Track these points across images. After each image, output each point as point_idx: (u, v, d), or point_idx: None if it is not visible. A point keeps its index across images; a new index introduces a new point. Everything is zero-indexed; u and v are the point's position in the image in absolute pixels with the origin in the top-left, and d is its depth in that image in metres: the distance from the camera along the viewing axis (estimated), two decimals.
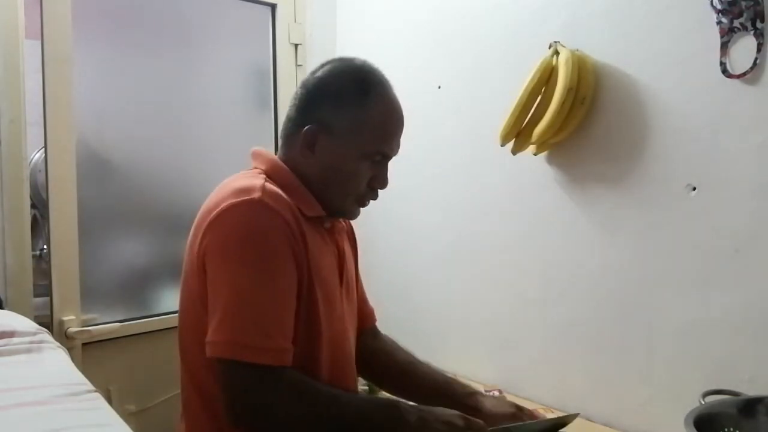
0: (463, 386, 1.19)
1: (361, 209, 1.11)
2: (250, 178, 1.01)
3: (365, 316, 1.28)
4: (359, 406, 0.99)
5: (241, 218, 0.94)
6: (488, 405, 1.13)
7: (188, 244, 1.03)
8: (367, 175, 1.05)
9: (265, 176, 1.02)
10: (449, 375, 1.24)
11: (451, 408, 1.12)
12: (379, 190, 1.09)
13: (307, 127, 1.03)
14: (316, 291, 1.02)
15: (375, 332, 1.30)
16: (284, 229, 0.95)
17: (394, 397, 1.17)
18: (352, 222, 1.24)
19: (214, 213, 0.95)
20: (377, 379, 1.29)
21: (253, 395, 0.91)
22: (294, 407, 0.93)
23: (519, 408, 1.13)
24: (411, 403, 1.05)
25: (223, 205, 0.95)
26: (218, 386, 0.93)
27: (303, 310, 0.99)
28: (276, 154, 1.12)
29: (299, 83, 1.09)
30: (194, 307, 1.01)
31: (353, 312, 1.18)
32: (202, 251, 0.96)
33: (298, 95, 1.07)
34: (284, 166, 1.06)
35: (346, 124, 1.02)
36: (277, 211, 0.95)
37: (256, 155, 1.11)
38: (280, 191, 0.98)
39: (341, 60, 1.09)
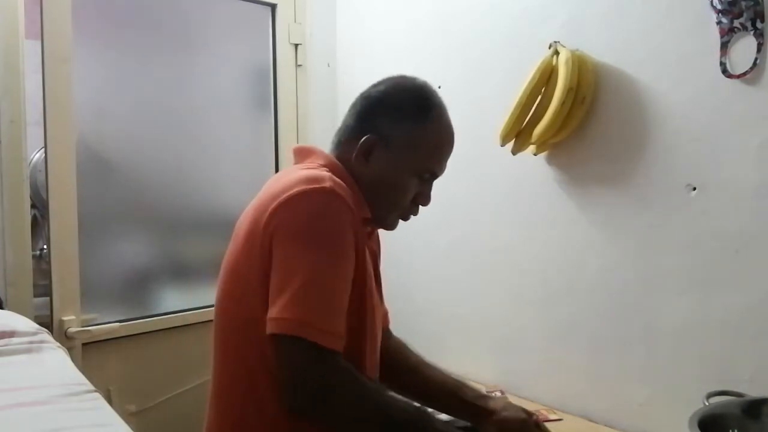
0: (473, 389, 1.21)
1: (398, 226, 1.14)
2: (315, 169, 1.03)
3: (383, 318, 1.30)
4: (401, 406, 0.99)
5: (315, 203, 0.95)
6: (500, 408, 1.13)
7: (243, 230, 1.02)
8: (413, 191, 1.09)
9: (327, 170, 1.04)
10: (459, 377, 1.25)
11: (463, 410, 1.16)
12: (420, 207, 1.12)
13: (366, 136, 1.05)
14: (366, 285, 1.04)
15: (389, 334, 1.32)
16: (350, 219, 0.97)
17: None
18: None
19: (285, 196, 0.96)
20: (389, 379, 1.30)
21: (315, 375, 0.90)
22: (350, 393, 0.93)
23: (529, 413, 1.14)
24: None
25: (295, 190, 0.95)
26: (276, 364, 0.92)
27: (356, 302, 1.00)
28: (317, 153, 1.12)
29: (360, 94, 1.12)
30: (252, 295, 0.98)
31: (381, 313, 1.19)
32: (270, 233, 0.96)
33: (358, 105, 1.10)
34: (339, 163, 1.08)
35: (404, 139, 1.06)
36: (345, 201, 0.97)
37: (305, 151, 1.13)
38: (344, 184, 1.01)
39: (404, 78, 1.12)
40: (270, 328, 0.91)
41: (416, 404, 1.05)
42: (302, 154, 1.13)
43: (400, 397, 1.03)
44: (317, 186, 0.96)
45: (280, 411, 0.94)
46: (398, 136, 1.05)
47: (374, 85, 1.11)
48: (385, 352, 1.24)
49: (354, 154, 1.06)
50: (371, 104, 1.09)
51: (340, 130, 1.12)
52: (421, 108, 1.07)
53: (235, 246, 1.04)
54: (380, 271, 1.26)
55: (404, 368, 1.25)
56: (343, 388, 0.92)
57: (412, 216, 1.13)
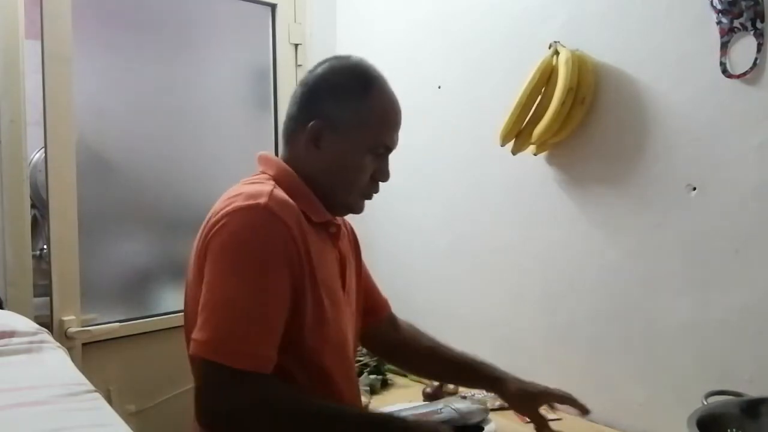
0: (486, 366, 1.24)
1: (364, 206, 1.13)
2: (259, 183, 1.02)
3: (379, 307, 1.32)
4: (347, 422, 0.97)
5: (241, 223, 0.94)
6: (518, 383, 1.19)
7: (195, 247, 1.03)
8: (370, 168, 1.07)
9: (274, 182, 1.02)
10: (471, 356, 1.27)
11: (483, 384, 1.25)
12: (380, 184, 1.10)
13: (312, 122, 1.04)
14: (323, 297, 1.01)
15: (394, 321, 1.33)
16: (284, 236, 0.95)
17: (384, 412, 1.20)
18: (354, 223, 1.25)
19: (220, 214, 0.96)
20: (406, 363, 1.37)
21: (221, 397, 0.89)
22: (259, 416, 0.90)
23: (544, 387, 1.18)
24: (404, 414, 1.14)
25: (229, 207, 0.95)
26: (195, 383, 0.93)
27: (310, 316, 0.99)
28: (278, 155, 1.12)
29: (298, 82, 1.11)
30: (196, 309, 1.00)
31: (354, 318, 1.18)
32: (205, 251, 0.97)
33: (298, 93, 1.08)
34: (291, 170, 1.06)
35: (350, 118, 1.04)
36: (279, 218, 0.95)
37: (263, 160, 1.12)
38: (287, 197, 0.99)
39: (338, 58, 1.11)
40: (189, 349, 0.92)
41: (375, 416, 1.08)
42: (259, 162, 1.12)
43: (356, 412, 1.05)
44: (252, 203, 0.94)
45: None
46: (344, 116, 1.04)
47: (310, 71, 1.10)
48: (395, 343, 1.30)
49: (303, 143, 1.05)
50: (311, 90, 1.07)
51: (285, 124, 1.10)
52: (362, 83, 1.05)
53: (191, 259, 1.05)
54: (363, 264, 1.27)
55: (420, 351, 1.28)
56: (256, 412, 0.89)
57: (374, 194, 1.11)
